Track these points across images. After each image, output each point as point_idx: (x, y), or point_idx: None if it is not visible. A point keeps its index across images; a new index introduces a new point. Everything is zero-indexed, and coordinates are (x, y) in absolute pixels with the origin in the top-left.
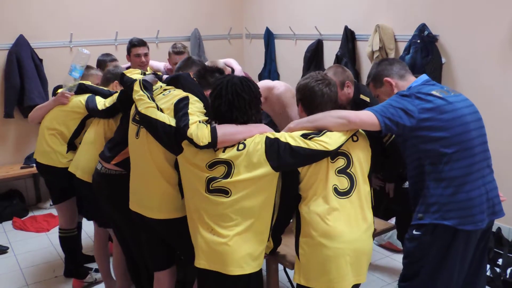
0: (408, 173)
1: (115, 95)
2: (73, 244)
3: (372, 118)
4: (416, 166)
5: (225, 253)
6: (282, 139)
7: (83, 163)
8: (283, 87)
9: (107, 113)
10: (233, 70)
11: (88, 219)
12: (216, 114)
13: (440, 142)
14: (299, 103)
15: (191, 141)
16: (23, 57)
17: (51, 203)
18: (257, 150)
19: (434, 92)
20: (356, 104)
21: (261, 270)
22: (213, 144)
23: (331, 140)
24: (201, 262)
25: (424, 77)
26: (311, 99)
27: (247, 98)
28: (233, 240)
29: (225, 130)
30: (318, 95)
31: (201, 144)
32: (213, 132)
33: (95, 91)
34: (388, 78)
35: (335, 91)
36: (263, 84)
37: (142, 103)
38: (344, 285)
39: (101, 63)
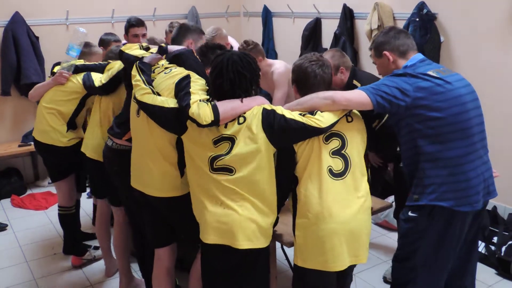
0: (403, 154)
1: (113, 69)
2: (72, 221)
3: (362, 97)
4: (412, 147)
5: (235, 227)
6: (278, 111)
7: (92, 142)
8: (283, 67)
9: (104, 89)
10: (232, 48)
11: (98, 197)
12: (218, 93)
13: (436, 121)
14: (293, 84)
15: (193, 120)
16: (19, 34)
17: (49, 181)
18: (255, 121)
19: (430, 72)
20: (349, 89)
21: (269, 247)
22: (216, 122)
23: (323, 119)
24: (209, 237)
25: (418, 56)
26: (304, 80)
27: (248, 76)
28: (243, 213)
29: (226, 107)
30: (311, 76)
31: (204, 123)
32: (215, 110)
33: (88, 68)
34: (387, 52)
35: (329, 73)
36: (266, 60)
37: (139, 89)
38: (339, 265)
39: (104, 42)
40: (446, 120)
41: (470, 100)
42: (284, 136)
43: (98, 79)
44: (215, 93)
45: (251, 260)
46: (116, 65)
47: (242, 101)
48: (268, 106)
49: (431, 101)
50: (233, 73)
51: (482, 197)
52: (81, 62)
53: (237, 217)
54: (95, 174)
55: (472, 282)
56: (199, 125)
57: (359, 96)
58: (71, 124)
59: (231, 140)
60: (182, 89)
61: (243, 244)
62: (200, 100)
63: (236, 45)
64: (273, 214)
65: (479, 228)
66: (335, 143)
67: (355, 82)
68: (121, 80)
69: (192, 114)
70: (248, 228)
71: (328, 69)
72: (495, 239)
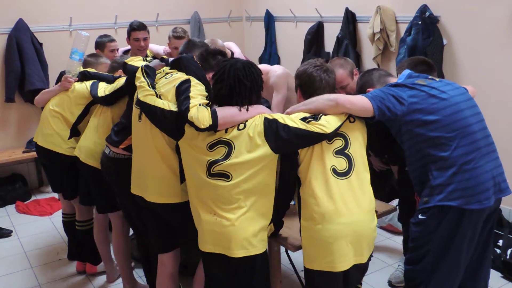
0: (408, 160)
1: (118, 83)
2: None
3: (364, 102)
4: (415, 152)
5: (229, 236)
6: (281, 121)
7: (86, 146)
8: (280, 70)
9: (106, 101)
10: (232, 53)
11: (84, 204)
12: (217, 97)
13: (433, 124)
14: (297, 89)
15: (192, 124)
16: (23, 41)
17: None
18: (257, 131)
19: (418, 81)
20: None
21: (266, 252)
22: (214, 127)
23: (328, 124)
24: (206, 246)
25: (406, 72)
26: (309, 84)
27: (248, 85)
28: (236, 222)
29: (225, 113)
30: (317, 80)
31: (202, 127)
32: (214, 115)
33: (98, 77)
34: (370, 89)
35: (333, 78)
36: (260, 67)
37: (142, 90)
38: (344, 265)
39: (100, 44)
40: (441, 121)
41: (463, 100)
42: (289, 145)
43: (103, 89)
44: (215, 97)
45: (248, 267)
46: (123, 80)
47: (240, 110)
48: (270, 116)
49: (425, 105)
50: (233, 80)
51: (493, 195)
52: (92, 70)
53: (232, 228)
54: (87, 180)
55: (485, 285)
56: (198, 129)
57: (361, 101)
58: (75, 131)
59: (228, 144)
60: (182, 93)
61: (238, 252)
62: (199, 104)
63: (237, 51)
64: (268, 218)
65: (492, 230)
66: (338, 143)
67: None
68: (124, 93)
69: (191, 118)
70: (243, 237)
71: (332, 74)
72: (500, 242)
